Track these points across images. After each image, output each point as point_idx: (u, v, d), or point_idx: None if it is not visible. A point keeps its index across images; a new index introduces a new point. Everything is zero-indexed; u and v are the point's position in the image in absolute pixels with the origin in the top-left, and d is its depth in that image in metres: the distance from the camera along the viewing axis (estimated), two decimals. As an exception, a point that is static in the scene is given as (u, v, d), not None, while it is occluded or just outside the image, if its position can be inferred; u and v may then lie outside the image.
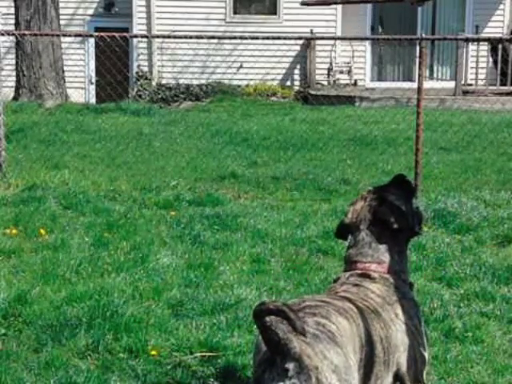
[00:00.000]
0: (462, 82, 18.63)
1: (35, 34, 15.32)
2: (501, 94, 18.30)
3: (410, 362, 3.24)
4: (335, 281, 3.40)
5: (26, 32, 15.00)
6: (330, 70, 20.39)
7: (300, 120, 14.91)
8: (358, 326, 3.01)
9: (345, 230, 3.49)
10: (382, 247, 3.36)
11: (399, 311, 3.25)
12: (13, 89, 18.15)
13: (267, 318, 2.65)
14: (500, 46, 18.33)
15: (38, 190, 8.61)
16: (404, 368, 3.22)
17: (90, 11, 21.66)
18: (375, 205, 3.40)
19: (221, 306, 5.28)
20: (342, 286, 3.29)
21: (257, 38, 10.81)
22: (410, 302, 3.37)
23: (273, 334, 2.66)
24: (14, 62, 18.34)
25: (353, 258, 3.38)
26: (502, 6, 20.51)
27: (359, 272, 3.33)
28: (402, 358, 3.21)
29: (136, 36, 17.00)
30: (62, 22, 18.73)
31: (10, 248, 6.58)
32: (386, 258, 3.35)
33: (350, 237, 3.46)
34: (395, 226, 3.35)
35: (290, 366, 2.69)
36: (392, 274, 3.34)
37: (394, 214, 3.36)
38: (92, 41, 20.00)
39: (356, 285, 3.28)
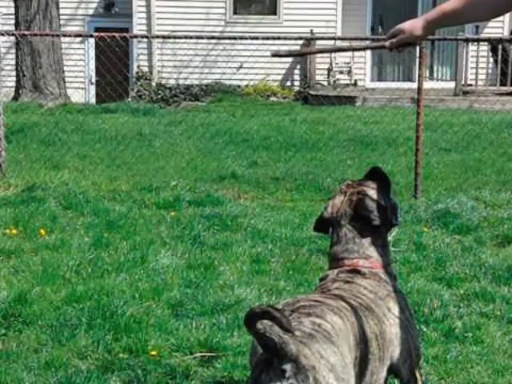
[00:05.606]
0: (462, 82, 18.63)
1: (35, 34, 15.32)
2: (501, 94, 18.30)
3: (405, 355, 3.25)
4: (322, 279, 3.39)
5: (26, 32, 14.99)
6: (329, 70, 20.40)
7: (300, 120, 14.90)
8: (352, 325, 3.01)
9: (324, 224, 3.47)
10: (366, 242, 3.35)
11: (391, 305, 3.26)
12: (13, 89, 18.16)
13: (259, 326, 2.65)
14: (500, 46, 18.33)
15: (38, 190, 8.60)
16: (399, 361, 3.23)
17: (90, 11, 21.68)
18: (356, 200, 3.39)
19: (221, 306, 5.28)
20: (333, 284, 3.28)
21: (257, 38, 10.79)
22: (400, 294, 3.37)
23: (268, 340, 2.66)
24: (14, 62, 18.34)
25: (339, 255, 3.37)
26: (502, 7, 20.50)
27: (348, 268, 3.33)
28: (396, 352, 3.21)
29: (136, 36, 17.02)
30: (61, 22, 18.74)
31: (9, 248, 6.57)
32: (372, 252, 3.35)
33: (330, 231, 3.44)
34: (376, 222, 3.35)
35: (287, 366, 2.68)
36: (380, 268, 3.35)
37: (375, 210, 3.36)
38: (92, 41, 20.00)
39: (347, 281, 3.27)
